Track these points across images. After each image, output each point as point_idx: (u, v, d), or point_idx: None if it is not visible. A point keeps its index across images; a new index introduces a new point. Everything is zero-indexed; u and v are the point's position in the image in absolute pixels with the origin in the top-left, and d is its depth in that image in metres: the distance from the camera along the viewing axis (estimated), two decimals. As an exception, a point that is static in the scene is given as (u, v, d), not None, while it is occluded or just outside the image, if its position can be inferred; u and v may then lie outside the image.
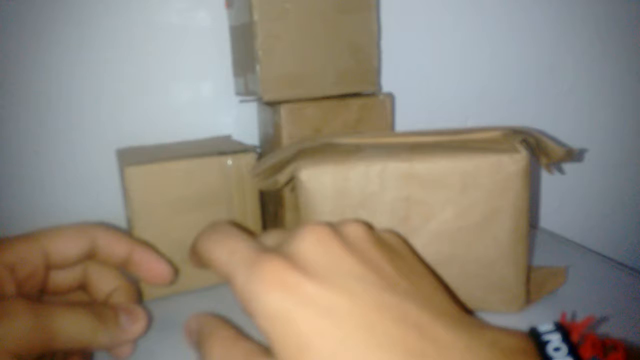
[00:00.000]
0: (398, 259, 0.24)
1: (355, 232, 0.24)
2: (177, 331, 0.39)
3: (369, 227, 0.25)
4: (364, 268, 0.22)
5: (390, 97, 0.48)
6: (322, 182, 0.37)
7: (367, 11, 0.47)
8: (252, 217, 0.45)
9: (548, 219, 0.69)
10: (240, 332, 0.25)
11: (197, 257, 0.27)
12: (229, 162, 0.43)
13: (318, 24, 0.45)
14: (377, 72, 0.48)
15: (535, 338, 0.20)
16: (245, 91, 0.50)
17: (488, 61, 0.64)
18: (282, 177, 0.39)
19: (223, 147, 0.46)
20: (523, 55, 0.64)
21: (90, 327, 0.29)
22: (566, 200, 0.70)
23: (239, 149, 0.44)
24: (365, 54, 0.47)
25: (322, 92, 0.47)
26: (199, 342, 0.26)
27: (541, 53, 0.65)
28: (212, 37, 0.55)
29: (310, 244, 0.22)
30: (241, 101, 0.54)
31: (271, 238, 0.26)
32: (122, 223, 0.50)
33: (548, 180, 0.68)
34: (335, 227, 0.24)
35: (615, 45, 0.67)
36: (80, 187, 0.57)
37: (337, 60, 0.47)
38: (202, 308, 0.41)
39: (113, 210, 0.54)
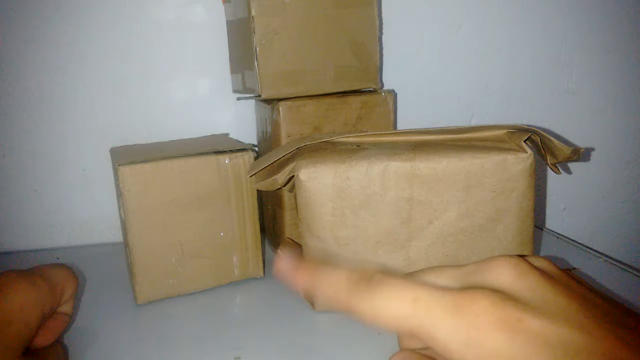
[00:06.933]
0: (590, 293, 0.22)
1: (549, 266, 0.21)
2: (173, 333, 0.38)
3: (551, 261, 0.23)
4: (579, 302, 0.19)
5: (392, 94, 0.47)
6: (322, 182, 0.36)
7: (368, 6, 0.46)
8: (250, 217, 0.44)
9: (554, 221, 0.68)
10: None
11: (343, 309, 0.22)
12: (226, 161, 0.42)
13: (318, 19, 0.44)
14: (379, 68, 0.47)
15: None
16: (243, 88, 0.49)
17: (494, 58, 0.63)
18: (281, 177, 0.38)
19: (220, 145, 0.45)
20: (529, 53, 0.63)
21: None
22: (573, 202, 0.69)
23: (236, 148, 0.43)
24: (366, 50, 0.46)
25: (321, 89, 0.46)
26: None
27: (548, 51, 0.64)
28: (209, 34, 0.54)
29: (513, 277, 0.20)
30: (239, 99, 0.53)
31: (439, 277, 0.22)
32: (117, 224, 0.49)
33: (554, 181, 0.67)
34: (528, 261, 0.21)
35: (624, 44, 0.66)
36: (77, 187, 0.56)
37: (337, 56, 0.46)
38: (198, 311, 0.41)
39: (109, 211, 0.53)
